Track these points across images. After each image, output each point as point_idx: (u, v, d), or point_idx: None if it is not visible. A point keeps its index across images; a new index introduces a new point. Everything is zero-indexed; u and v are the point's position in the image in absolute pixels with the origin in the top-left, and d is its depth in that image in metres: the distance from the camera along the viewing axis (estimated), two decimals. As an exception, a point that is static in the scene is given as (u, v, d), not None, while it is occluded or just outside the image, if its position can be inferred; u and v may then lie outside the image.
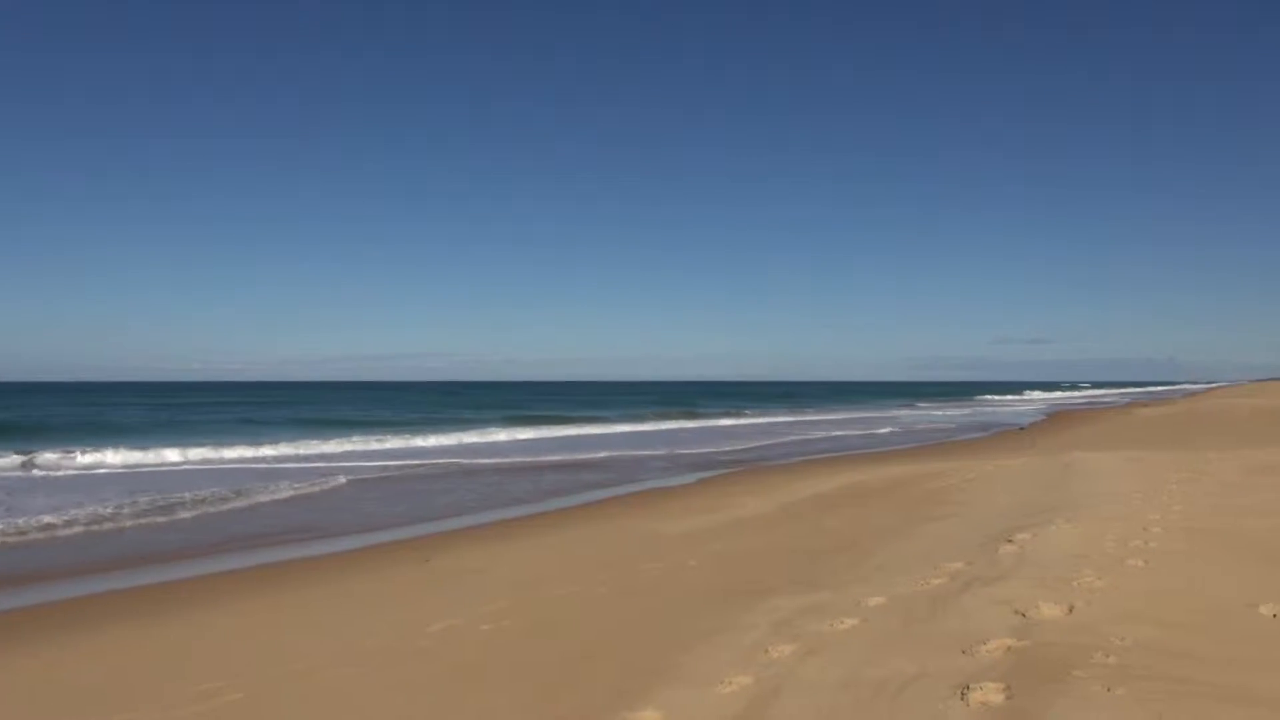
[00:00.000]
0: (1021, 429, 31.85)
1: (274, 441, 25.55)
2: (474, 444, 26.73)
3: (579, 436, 30.70)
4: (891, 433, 31.28)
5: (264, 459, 21.80)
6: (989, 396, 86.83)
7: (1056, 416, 40.85)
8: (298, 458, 22.11)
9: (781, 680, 4.17)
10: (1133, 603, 4.79)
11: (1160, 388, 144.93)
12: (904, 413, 51.53)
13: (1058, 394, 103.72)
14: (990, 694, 3.55)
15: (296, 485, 15.70)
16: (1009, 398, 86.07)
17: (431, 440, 27.47)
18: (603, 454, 22.33)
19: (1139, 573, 5.54)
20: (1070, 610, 4.69)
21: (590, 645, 5.38)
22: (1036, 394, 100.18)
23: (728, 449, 24.02)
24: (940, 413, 50.96)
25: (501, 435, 30.26)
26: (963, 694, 3.59)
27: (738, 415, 48.15)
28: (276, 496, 14.31)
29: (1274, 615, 4.45)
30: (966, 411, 52.17)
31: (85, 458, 20.82)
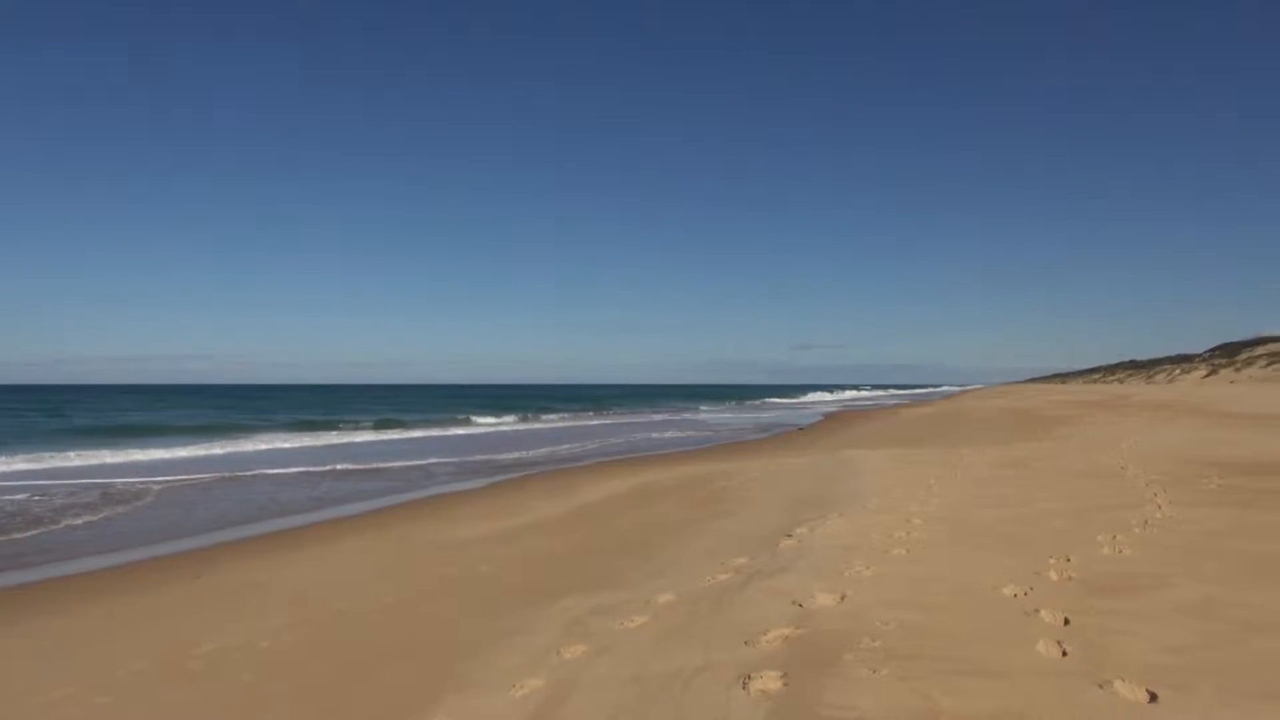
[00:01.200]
0: (802, 429, 33.73)
1: (12, 453, 22.78)
2: (250, 452, 24.98)
3: (365, 443, 29.44)
4: (686, 434, 32.21)
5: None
6: (777, 400, 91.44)
7: (835, 417, 43.53)
8: (45, 472, 19.79)
9: (573, 681, 4.19)
10: (896, 589, 5.17)
11: (925, 390, 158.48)
12: (700, 415, 53.29)
13: (847, 394, 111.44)
14: (769, 681, 3.72)
15: (42, 500, 14.14)
16: (796, 400, 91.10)
17: (204, 449, 25.45)
18: (390, 461, 21.59)
19: (902, 561, 6.00)
20: (842, 599, 5.00)
21: (378, 656, 5.19)
22: (822, 395, 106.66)
23: (523, 452, 23.91)
24: (733, 415, 53.09)
25: (281, 443, 28.42)
26: (744, 683, 3.74)
27: (536, 418, 48.10)
28: (20, 513, 12.82)
29: (1014, 595, 4.94)
30: (757, 413, 54.64)
31: None
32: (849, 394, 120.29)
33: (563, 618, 5.54)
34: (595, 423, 43.89)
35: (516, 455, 22.86)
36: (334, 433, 34.16)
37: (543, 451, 24.23)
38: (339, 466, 19.77)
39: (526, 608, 5.98)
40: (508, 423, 43.50)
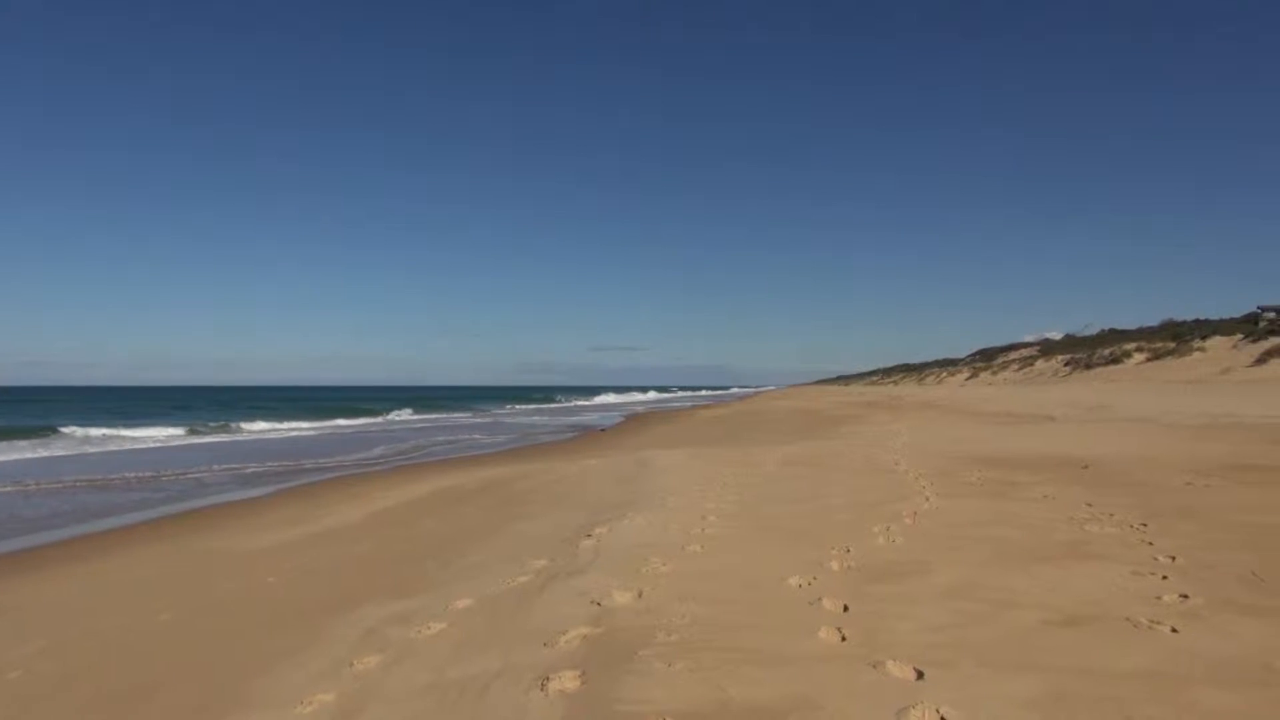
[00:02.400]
0: (604, 430, 34.18)
1: None
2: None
3: (136, 451, 27.04)
4: (490, 437, 31.82)
5: None
6: (581, 401, 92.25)
7: (636, 418, 44.40)
8: None
9: (367, 693, 4.04)
10: (691, 584, 5.35)
11: (719, 391, 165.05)
12: (504, 416, 52.82)
13: (650, 395, 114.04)
14: (567, 681, 3.75)
15: None
16: (596, 401, 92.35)
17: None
18: (167, 468, 19.99)
19: (697, 557, 6.21)
20: (639, 595, 5.11)
21: (151, 680, 4.79)
22: (621, 397, 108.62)
23: (321, 458, 22.83)
24: (537, 416, 52.97)
25: (31, 452, 25.45)
26: (543, 685, 3.75)
27: (337, 421, 46.03)
28: None
29: (799, 586, 5.23)
30: (560, 415, 54.78)
31: None
32: (651, 395, 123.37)
33: (357, 628, 5.33)
34: (399, 426, 42.56)
35: (312, 461, 21.78)
36: (102, 438, 31.24)
37: (341, 456, 23.23)
38: (105, 476, 18.09)
39: (318, 620, 5.71)
40: (305, 427, 41.32)
